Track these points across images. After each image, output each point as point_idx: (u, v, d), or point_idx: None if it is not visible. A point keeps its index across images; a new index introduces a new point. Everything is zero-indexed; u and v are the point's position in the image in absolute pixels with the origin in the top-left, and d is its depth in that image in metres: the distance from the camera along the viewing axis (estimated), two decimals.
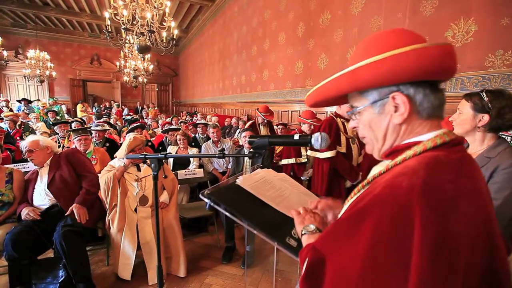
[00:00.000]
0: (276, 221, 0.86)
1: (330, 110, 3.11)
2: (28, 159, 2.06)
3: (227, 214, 0.82)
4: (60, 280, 1.82)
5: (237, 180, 0.97)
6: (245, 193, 0.94)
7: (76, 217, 1.95)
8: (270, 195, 0.99)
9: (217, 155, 0.89)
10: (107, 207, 2.12)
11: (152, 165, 0.97)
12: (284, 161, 3.00)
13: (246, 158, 2.63)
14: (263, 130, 4.01)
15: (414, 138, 0.52)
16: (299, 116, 3.54)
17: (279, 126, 4.41)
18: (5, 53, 7.39)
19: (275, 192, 1.02)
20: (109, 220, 2.11)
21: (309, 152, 2.42)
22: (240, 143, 3.57)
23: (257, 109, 4.15)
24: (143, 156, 0.98)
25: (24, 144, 2.05)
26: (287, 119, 5.22)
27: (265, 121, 4.00)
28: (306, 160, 2.88)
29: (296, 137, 0.77)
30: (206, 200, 0.82)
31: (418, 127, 0.52)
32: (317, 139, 0.75)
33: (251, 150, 0.88)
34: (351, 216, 0.47)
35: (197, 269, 2.28)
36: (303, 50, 4.57)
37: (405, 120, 0.52)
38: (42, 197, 2.06)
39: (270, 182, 1.08)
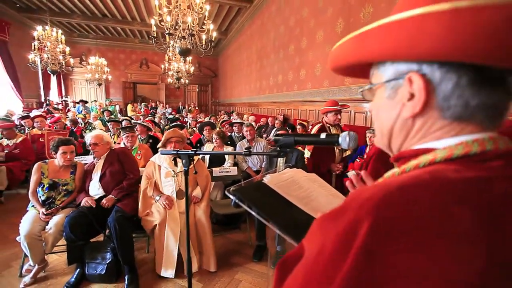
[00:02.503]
0: (301, 222, 0.84)
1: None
2: (92, 151, 2.36)
3: (251, 211, 0.82)
4: (107, 262, 2.04)
5: (264, 178, 0.97)
6: (272, 192, 0.94)
7: (104, 201, 2.20)
8: (297, 195, 0.96)
9: (243, 153, 0.90)
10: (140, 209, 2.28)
11: (183, 161, 1.02)
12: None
13: (280, 158, 2.61)
14: (334, 131, 2.85)
15: (426, 144, 0.37)
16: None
17: (316, 126, 4.30)
18: (72, 60, 8.46)
19: (303, 192, 1.00)
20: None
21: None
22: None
23: (320, 109, 3.27)
24: (175, 151, 1.04)
25: (90, 137, 2.36)
26: None
27: (339, 117, 2.79)
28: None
29: (323, 135, 0.74)
30: (231, 197, 0.83)
31: (438, 130, 0.36)
32: (344, 138, 0.71)
33: (278, 148, 0.87)
34: (329, 213, 0.37)
35: (228, 265, 2.34)
36: None
37: (418, 116, 0.37)
38: (96, 188, 2.32)
39: (298, 182, 1.05)
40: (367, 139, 3.10)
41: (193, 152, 0.99)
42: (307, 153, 2.69)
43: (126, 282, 2.01)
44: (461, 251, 0.26)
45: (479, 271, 0.26)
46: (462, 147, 0.33)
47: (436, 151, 0.35)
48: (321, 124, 2.81)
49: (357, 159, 3.11)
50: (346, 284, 0.28)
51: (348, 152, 2.97)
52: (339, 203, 0.80)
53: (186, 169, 1.03)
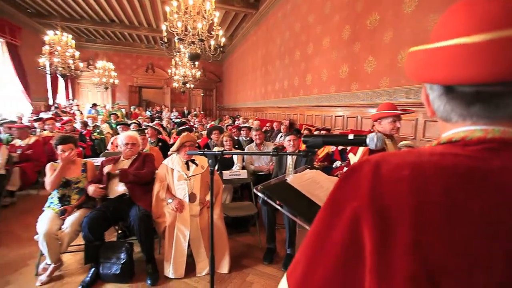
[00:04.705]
0: None
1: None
2: (127, 149, 2.45)
3: (279, 208, 0.87)
4: (122, 262, 2.07)
5: (287, 178, 1.02)
6: (294, 190, 0.99)
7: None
8: (318, 194, 1.01)
9: (271, 153, 0.95)
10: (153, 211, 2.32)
11: (210, 161, 1.07)
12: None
13: (289, 161, 2.65)
14: (391, 146, 2.04)
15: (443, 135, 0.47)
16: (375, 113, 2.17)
17: (322, 132, 4.35)
18: (81, 64, 8.63)
19: (323, 191, 1.05)
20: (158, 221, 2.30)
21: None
22: (285, 145, 3.60)
23: (371, 115, 2.31)
24: (201, 152, 1.08)
25: (128, 136, 2.47)
26: (330, 124, 5.10)
27: (397, 126, 1.96)
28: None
29: (351, 136, 0.79)
30: (260, 194, 0.88)
31: (443, 128, 0.46)
32: (372, 138, 0.75)
33: (298, 150, 0.91)
34: None
35: (239, 267, 2.36)
36: (348, 54, 4.45)
37: (434, 116, 0.48)
38: (120, 184, 2.36)
39: (318, 182, 1.10)
40: None
41: (220, 152, 1.03)
42: (353, 158, 2.17)
43: (149, 280, 2.08)
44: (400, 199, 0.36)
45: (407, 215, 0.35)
46: (451, 135, 0.43)
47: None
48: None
49: None
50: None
51: None
52: None
53: (212, 168, 1.08)
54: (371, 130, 2.14)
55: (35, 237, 2.07)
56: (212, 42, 4.90)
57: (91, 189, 2.26)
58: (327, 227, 0.40)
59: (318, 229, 0.42)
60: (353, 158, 2.20)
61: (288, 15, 6.81)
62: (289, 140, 2.68)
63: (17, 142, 3.88)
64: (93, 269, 2.08)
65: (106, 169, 2.31)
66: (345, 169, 2.59)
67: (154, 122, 6.63)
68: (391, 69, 3.55)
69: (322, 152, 3.91)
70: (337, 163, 3.68)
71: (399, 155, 0.40)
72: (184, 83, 9.99)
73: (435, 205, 0.34)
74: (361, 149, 2.06)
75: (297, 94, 6.45)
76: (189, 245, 2.22)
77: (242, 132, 4.49)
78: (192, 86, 10.98)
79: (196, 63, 9.15)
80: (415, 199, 0.34)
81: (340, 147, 3.64)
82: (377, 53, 3.83)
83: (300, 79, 6.29)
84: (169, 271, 2.15)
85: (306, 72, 5.97)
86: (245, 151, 3.71)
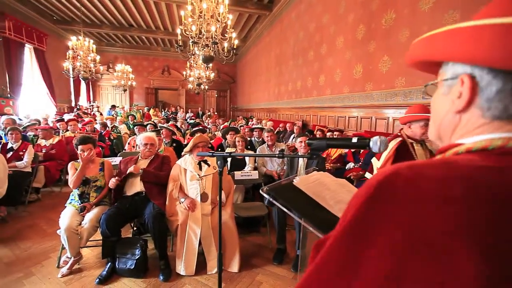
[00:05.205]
0: (331, 221, 0.89)
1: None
2: (146, 149, 2.56)
3: (284, 209, 0.88)
4: (136, 257, 2.15)
5: (294, 180, 1.03)
6: (301, 192, 1.00)
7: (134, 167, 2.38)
8: (323, 197, 1.01)
9: (277, 155, 0.97)
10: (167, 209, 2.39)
11: (218, 162, 1.10)
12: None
13: (300, 162, 2.65)
14: (421, 153, 1.92)
15: (462, 140, 0.40)
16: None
17: (335, 133, 4.29)
18: (101, 68, 9.02)
19: (329, 194, 1.05)
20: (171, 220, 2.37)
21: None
22: (296, 147, 3.59)
23: (400, 117, 2.29)
24: (211, 153, 1.12)
25: (146, 137, 2.59)
26: (344, 125, 5.03)
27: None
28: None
29: (354, 139, 0.79)
30: (265, 195, 0.90)
31: (479, 128, 0.39)
32: (375, 142, 0.75)
33: (309, 152, 0.92)
34: None
35: (249, 266, 2.38)
36: (363, 53, 4.37)
37: (463, 113, 0.41)
38: (138, 183, 2.47)
39: (324, 184, 1.10)
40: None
41: (228, 154, 1.06)
42: (376, 163, 2.03)
43: (161, 276, 2.16)
44: (449, 222, 0.29)
45: (459, 241, 0.28)
46: (485, 141, 0.36)
47: (463, 145, 0.39)
48: (400, 139, 1.92)
49: None
50: (350, 224, 0.33)
51: None
52: None
53: (220, 169, 1.11)
54: (398, 134, 2.01)
55: (58, 231, 2.20)
56: (226, 45, 4.98)
57: (111, 182, 2.40)
58: (354, 261, 0.32)
59: (338, 263, 0.33)
60: (376, 164, 2.04)
61: (302, 15, 6.78)
62: (300, 142, 2.68)
63: (42, 142, 4.12)
64: (109, 264, 2.18)
65: (130, 169, 2.43)
66: (368, 175, 2.47)
67: (169, 123, 6.81)
68: (407, 68, 3.45)
69: (335, 153, 3.87)
70: (350, 165, 3.63)
71: (436, 166, 0.34)
72: (199, 85, 10.18)
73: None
74: (385, 154, 1.91)
75: (310, 95, 6.41)
76: (200, 243, 2.27)
77: (254, 133, 4.52)
78: (206, 87, 11.16)
79: (210, 65, 9.31)
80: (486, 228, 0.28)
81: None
82: (393, 53, 3.74)
83: (313, 79, 6.25)
84: (181, 268, 2.21)
85: (319, 73, 5.92)
86: (257, 152, 3.73)
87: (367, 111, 4.36)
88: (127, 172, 2.43)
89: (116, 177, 2.42)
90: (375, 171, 2.10)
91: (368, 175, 2.88)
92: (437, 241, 0.28)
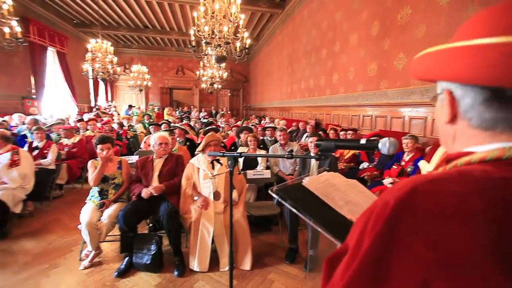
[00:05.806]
0: (341, 223, 0.89)
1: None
2: (161, 148, 2.63)
3: (293, 209, 0.90)
4: (152, 253, 2.24)
5: (303, 180, 1.04)
6: (310, 193, 1.01)
7: (152, 189, 2.40)
8: (333, 197, 1.02)
9: (286, 156, 0.98)
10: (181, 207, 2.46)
11: (229, 162, 1.13)
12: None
13: (312, 162, 2.64)
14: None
15: (469, 148, 0.42)
16: None
17: (349, 132, 4.23)
18: (118, 69, 9.32)
19: (338, 194, 1.05)
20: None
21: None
22: (308, 147, 3.58)
23: None
24: (221, 153, 1.15)
25: (160, 137, 2.67)
26: (357, 124, 4.95)
27: None
28: None
29: (363, 141, 0.79)
30: (274, 195, 0.92)
31: (474, 137, 0.41)
32: (384, 144, 0.75)
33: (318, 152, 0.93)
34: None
35: (260, 265, 2.41)
36: (377, 51, 4.27)
37: (452, 124, 0.44)
38: (154, 182, 2.54)
39: (334, 185, 1.10)
40: (404, 145, 2.98)
41: (238, 154, 1.09)
42: (426, 167, 1.95)
43: (176, 271, 2.24)
44: (474, 237, 0.30)
45: (486, 255, 0.29)
46: (498, 151, 0.37)
47: (474, 154, 0.40)
48: None
49: (393, 166, 3.01)
50: (370, 248, 0.34)
51: None
52: None
53: (231, 169, 1.14)
54: None
55: (79, 226, 2.33)
56: (238, 44, 5.01)
57: (143, 192, 2.41)
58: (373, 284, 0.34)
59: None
60: (426, 167, 1.86)
61: (314, 13, 6.70)
62: (311, 142, 2.67)
63: (64, 141, 4.34)
64: (127, 258, 2.28)
65: (152, 191, 2.40)
66: (386, 180, 2.28)
67: (183, 122, 6.95)
68: None
69: (348, 152, 3.82)
70: (364, 165, 3.57)
71: (455, 180, 0.35)
72: (212, 84, 10.30)
73: None
74: (438, 154, 1.81)
75: (323, 93, 6.33)
76: (213, 241, 2.32)
77: (267, 132, 4.54)
78: (219, 86, 11.28)
79: (223, 64, 9.39)
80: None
81: None
82: (409, 49, 3.64)
83: (326, 77, 6.17)
84: (194, 264, 2.28)
85: (332, 71, 5.84)
86: (270, 151, 3.74)
87: (382, 110, 4.26)
88: (149, 196, 2.41)
89: (150, 190, 2.41)
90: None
91: (386, 180, 2.81)
92: (466, 255, 0.29)
